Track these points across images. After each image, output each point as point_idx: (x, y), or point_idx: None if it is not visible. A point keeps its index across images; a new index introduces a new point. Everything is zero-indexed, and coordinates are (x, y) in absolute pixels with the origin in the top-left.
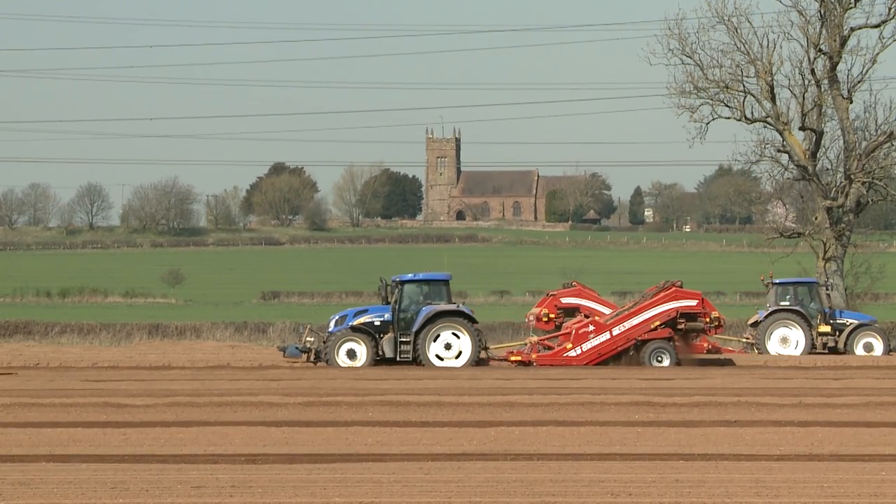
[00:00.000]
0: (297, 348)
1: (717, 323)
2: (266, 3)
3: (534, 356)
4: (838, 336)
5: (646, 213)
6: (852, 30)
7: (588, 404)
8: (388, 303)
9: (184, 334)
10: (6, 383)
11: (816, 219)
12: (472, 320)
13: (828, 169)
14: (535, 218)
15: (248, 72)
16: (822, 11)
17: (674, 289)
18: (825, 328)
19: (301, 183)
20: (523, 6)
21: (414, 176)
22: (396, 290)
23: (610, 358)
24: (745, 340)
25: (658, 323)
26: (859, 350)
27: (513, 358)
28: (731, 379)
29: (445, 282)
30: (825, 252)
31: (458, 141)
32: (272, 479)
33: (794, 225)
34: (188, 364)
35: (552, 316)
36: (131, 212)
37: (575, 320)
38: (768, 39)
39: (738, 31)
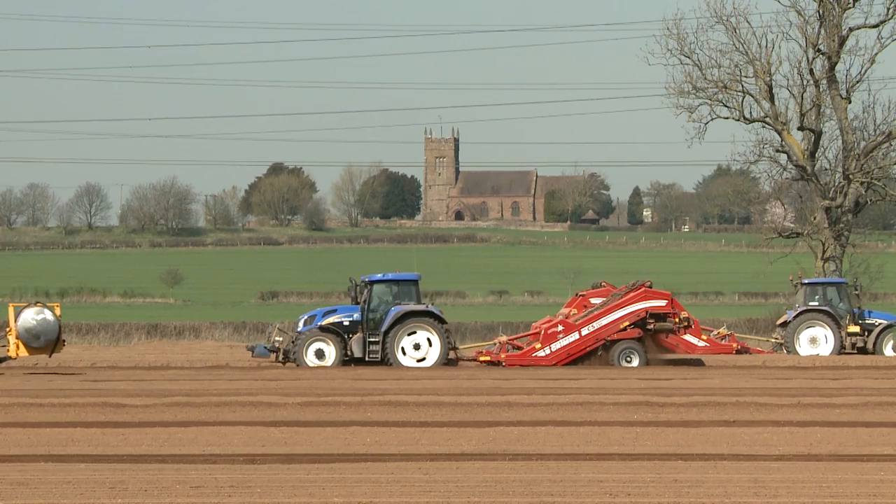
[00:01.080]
0: (265, 347)
1: (686, 323)
2: (265, 3)
3: (503, 356)
4: (867, 336)
5: (644, 213)
6: (851, 30)
7: (587, 404)
8: (358, 303)
9: (182, 334)
10: (5, 383)
11: (815, 219)
12: (442, 320)
13: (826, 169)
14: (534, 218)
15: (247, 72)
16: (821, 11)
17: (643, 289)
18: (854, 328)
19: (300, 183)
20: (523, 6)
21: (412, 176)
22: (366, 290)
23: (579, 358)
24: (773, 341)
25: (627, 323)
26: (888, 350)
27: (482, 358)
28: (730, 379)
29: (415, 282)
30: (824, 252)
31: (456, 141)
32: (271, 479)
33: (792, 225)
34: (187, 364)
35: None
36: (130, 212)
37: (544, 320)
38: (767, 39)
39: (737, 31)
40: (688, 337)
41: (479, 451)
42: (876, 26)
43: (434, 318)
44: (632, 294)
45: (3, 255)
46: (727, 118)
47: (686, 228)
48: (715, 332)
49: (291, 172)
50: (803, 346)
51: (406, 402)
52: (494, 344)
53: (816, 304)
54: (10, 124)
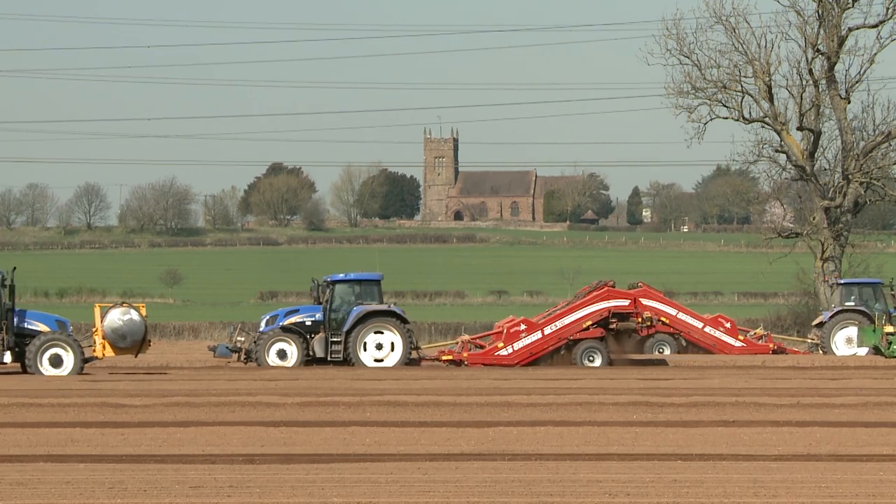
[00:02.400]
0: (227, 348)
1: (648, 323)
2: (265, 3)
3: (465, 355)
4: None
5: (644, 213)
6: (850, 30)
7: (586, 404)
8: (320, 303)
9: (182, 334)
10: (4, 383)
11: (814, 219)
12: (404, 320)
13: (826, 169)
14: (533, 218)
15: (247, 72)
16: (820, 11)
17: (606, 288)
18: (890, 328)
19: (299, 183)
20: (523, 6)
21: (412, 176)
22: (328, 290)
23: (541, 357)
24: (810, 341)
25: (590, 322)
26: None
27: (444, 357)
28: (730, 379)
29: (377, 282)
30: (823, 252)
31: (455, 141)
32: (270, 479)
33: (791, 225)
34: (186, 364)
35: None
36: (129, 212)
37: (507, 319)
38: (766, 39)
39: (736, 31)
40: (724, 337)
41: (479, 452)
42: (875, 26)
43: (396, 318)
44: (594, 294)
45: (3, 255)
46: (726, 118)
47: (685, 228)
48: (752, 333)
49: (290, 172)
50: (839, 347)
51: (405, 402)
52: (457, 343)
53: (852, 304)
54: (9, 124)
